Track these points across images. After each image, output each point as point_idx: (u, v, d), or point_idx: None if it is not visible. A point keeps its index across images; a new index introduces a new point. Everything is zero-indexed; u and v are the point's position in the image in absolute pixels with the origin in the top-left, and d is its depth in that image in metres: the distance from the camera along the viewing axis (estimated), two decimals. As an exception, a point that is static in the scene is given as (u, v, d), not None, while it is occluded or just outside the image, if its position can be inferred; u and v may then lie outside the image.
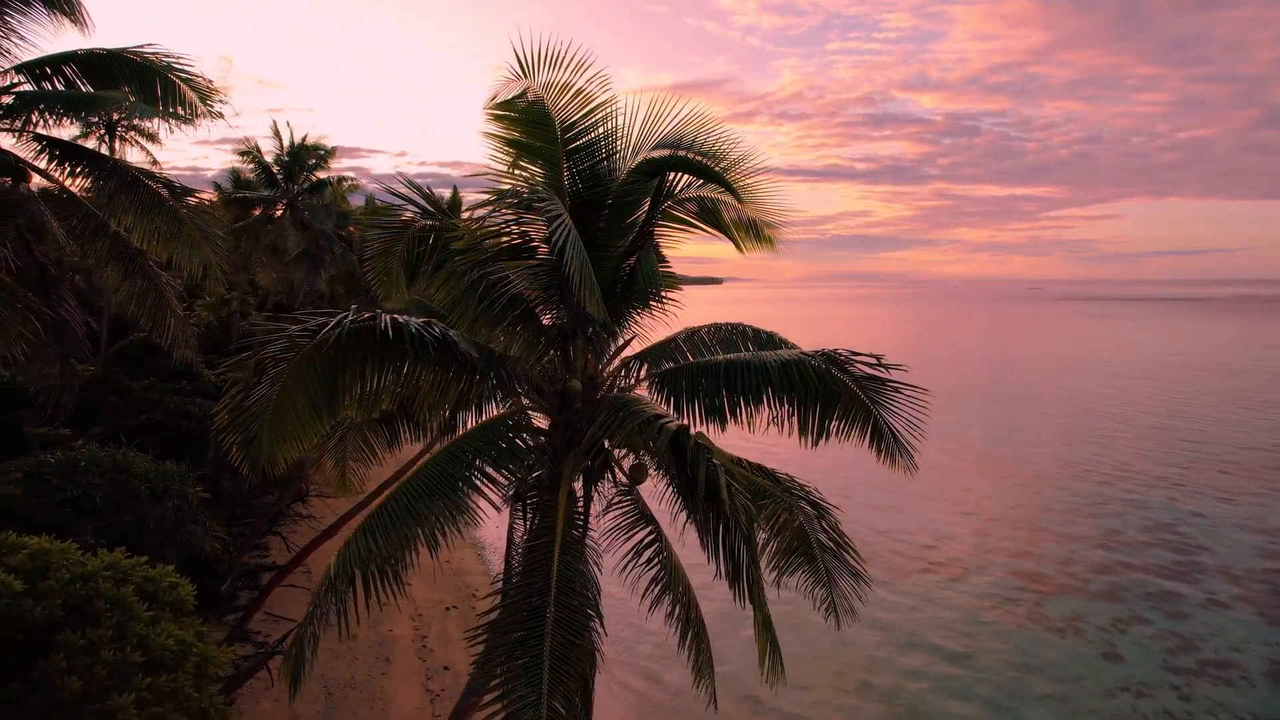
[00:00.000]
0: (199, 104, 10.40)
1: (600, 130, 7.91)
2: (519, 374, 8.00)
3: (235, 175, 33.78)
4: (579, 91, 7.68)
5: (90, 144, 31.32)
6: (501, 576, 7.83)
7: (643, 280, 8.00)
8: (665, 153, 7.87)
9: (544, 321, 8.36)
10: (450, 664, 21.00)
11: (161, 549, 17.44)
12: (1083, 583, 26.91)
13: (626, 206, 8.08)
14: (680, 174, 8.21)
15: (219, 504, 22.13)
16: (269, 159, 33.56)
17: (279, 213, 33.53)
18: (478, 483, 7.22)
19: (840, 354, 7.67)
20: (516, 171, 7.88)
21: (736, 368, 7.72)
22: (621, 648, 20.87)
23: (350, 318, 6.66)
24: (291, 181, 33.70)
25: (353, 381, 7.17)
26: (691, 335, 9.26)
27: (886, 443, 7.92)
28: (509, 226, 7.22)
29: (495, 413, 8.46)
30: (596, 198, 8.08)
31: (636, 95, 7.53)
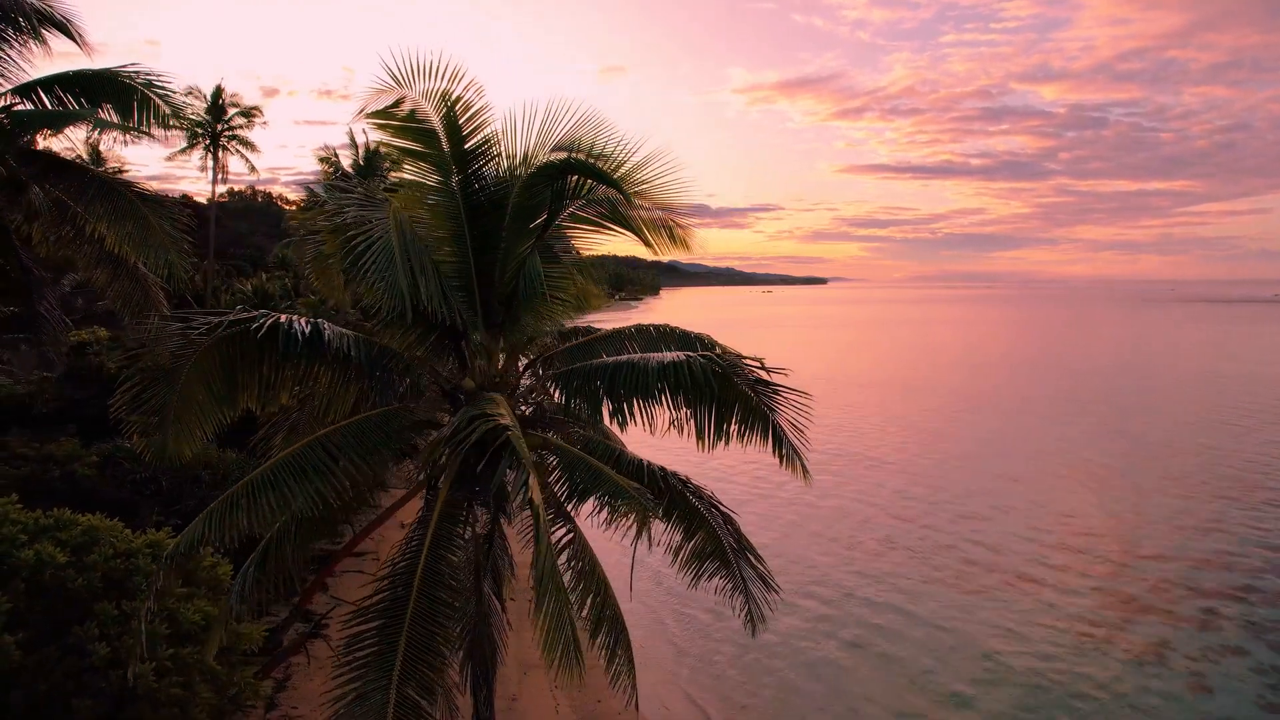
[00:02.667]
0: (172, 117, 11.41)
1: (484, 135, 8.05)
2: (428, 372, 8.27)
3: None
4: (459, 99, 7.85)
5: (198, 152, 34.26)
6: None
7: (525, 283, 8.12)
8: (563, 155, 7.94)
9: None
10: (502, 659, 21.34)
11: (221, 531, 18.82)
12: (1176, 605, 24.69)
13: (527, 210, 8.19)
14: (582, 177, 8.25)
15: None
16: (347, 164, 35.47)
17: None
18: (333, 477, 7.44)
19: (726, 357, 7.55)
20: (406, 177, 8.15)
21: (623, 368, 7.74)
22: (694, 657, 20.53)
23: (230, 318, 7.11)
24: (366, 186, 35.32)
25: (250, 377, 7.64)
26: (613, 336, 9.27)
27: (786, 448, 7.76)
28: (367, 228, 7.47)
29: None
30: (497, 201, 8.23)
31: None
